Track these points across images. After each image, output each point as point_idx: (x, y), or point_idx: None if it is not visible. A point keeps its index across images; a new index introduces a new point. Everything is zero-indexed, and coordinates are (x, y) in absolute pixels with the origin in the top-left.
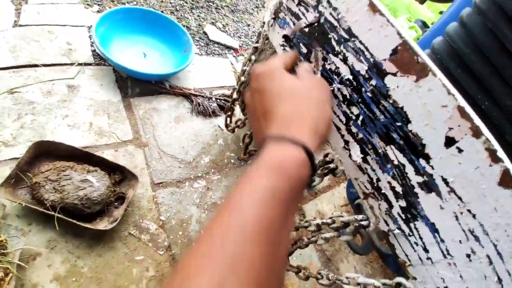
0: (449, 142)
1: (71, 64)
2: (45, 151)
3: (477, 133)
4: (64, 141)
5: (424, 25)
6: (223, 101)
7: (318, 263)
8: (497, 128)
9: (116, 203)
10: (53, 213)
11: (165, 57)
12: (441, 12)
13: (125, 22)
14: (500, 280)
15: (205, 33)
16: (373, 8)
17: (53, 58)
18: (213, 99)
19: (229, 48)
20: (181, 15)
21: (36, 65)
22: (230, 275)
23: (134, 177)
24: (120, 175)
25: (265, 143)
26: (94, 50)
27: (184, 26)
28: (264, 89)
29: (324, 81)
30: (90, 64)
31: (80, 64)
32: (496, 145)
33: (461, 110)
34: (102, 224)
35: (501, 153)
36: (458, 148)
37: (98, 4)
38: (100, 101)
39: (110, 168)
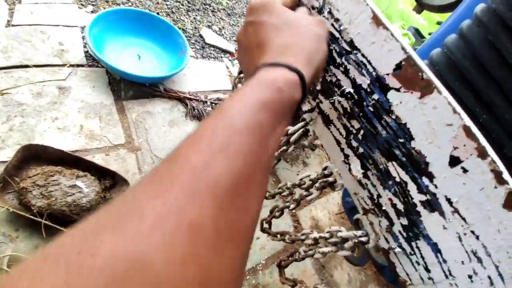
0: (454, 161)
1: (63, 65)
2: (34, 155)
3: (483, 154)
4: (54, 144)
5: (417, 32)
6: (218, 105)
7: (312, 270)
8: (495, 142)
9: None
10: (40, 219)
11: (160, 59)
12: (438, 23)
13: (120, 24)
14: None
15: (201, 36)
16: (377, 21)
17: (44, 59)
18: (208, 103)
19: (225, 51)
20: (177, 18)
21: (27, 66)
22: (219, 153)
23: (126, 182)
24: (110, 180)
25: (259, 69)
26: (87, 51)
27: (180, 28)
28: (261, 21)
29: (323, 19)
30: (82, 66)
31: (72, 65)
32: (501, 167)
33: (466, 129)
34: None
35: (506, 175)
36: (463, 168)
37: (92, 5)
38: (92, 104)
39: (101, 173)
